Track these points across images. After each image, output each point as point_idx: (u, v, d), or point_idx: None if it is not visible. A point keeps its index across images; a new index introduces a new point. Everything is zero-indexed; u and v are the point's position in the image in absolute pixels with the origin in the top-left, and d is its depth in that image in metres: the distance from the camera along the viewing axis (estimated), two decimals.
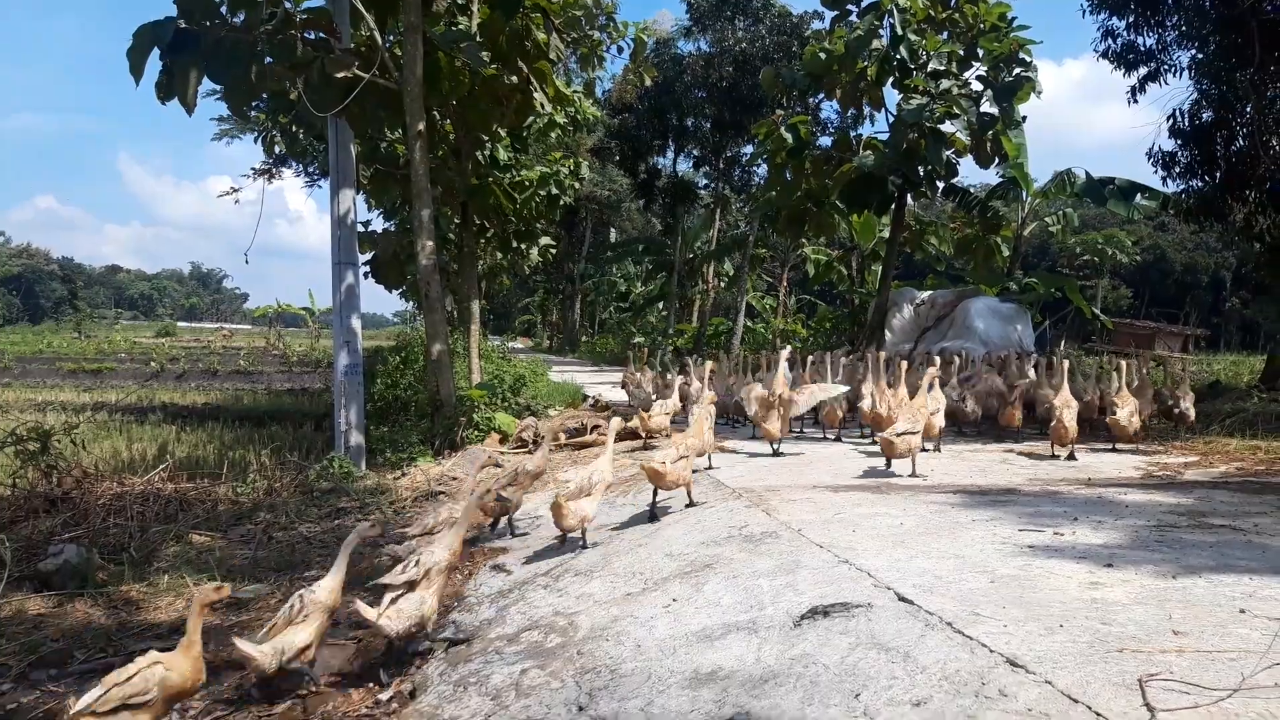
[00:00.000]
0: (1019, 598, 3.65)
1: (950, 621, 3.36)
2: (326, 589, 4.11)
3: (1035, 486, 6.52)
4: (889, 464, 7.33)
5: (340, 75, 9.53)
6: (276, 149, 20.12)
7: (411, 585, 4.16)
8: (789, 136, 18.23)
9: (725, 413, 11.32)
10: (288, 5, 9.80)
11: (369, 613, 4.02)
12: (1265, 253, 15.21)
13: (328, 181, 11.54)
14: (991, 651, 3.04)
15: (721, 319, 37.85)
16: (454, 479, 8.37)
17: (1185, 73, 14.97)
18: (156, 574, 6.10)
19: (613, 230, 49.58)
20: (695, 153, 33.85)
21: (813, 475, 7.24)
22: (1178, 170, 15.26)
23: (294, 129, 17.96)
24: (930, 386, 8.27)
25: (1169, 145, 15.08)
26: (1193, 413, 9.69)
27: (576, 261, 46.57)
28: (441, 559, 4.31)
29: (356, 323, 11.37)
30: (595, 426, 9.94)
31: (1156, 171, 15.65)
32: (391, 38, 12.05)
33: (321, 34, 9.78)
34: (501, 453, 9.30)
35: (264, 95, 11.79)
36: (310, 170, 26.16)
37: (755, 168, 31.17)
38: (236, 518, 8.13)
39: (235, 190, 20.69)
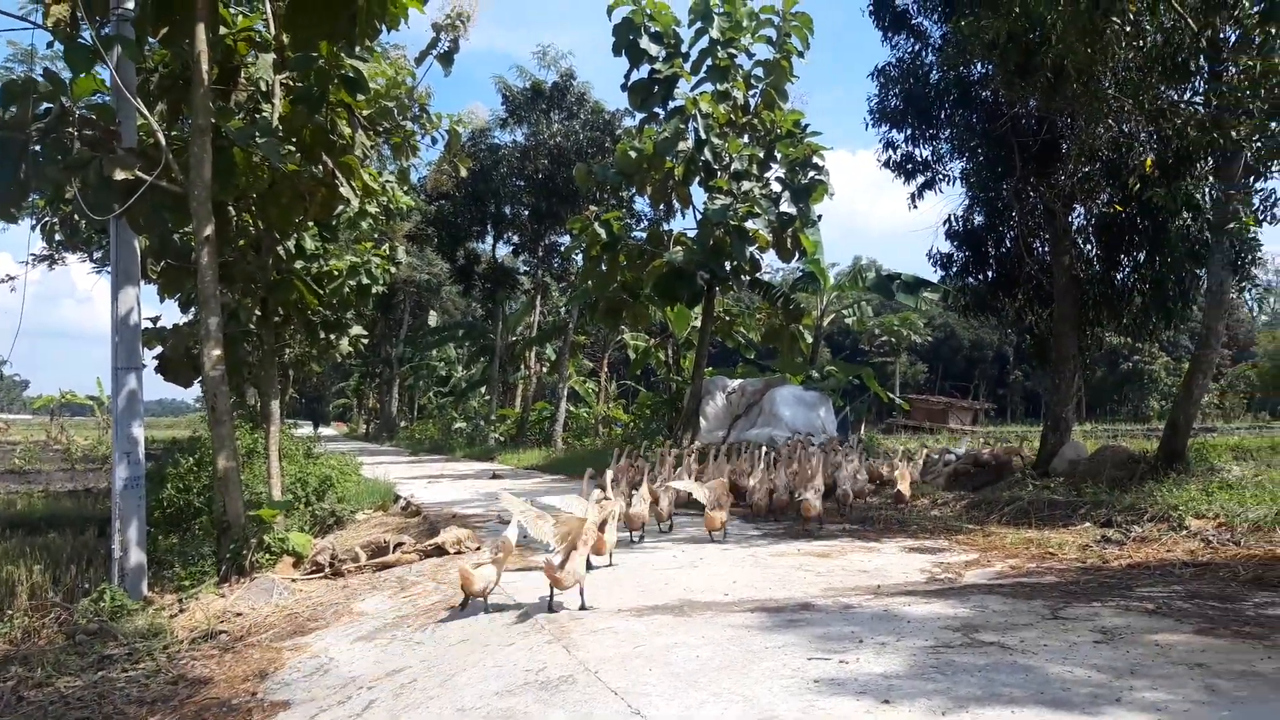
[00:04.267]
0: None
1: None
2: None
3: (829, 599, 6.72)
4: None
5: (121, 177, 8.95)
6: (56, 237, 18.66)
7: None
8: (602, 232, 18.67)
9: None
10: (64, 100, 9.13)
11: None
12: (1033, 344, 16.66)
13: None
14: None
15: (545, 403, 37.72)
16: (238, 614, 7.74)
17: (959, 181, 16.39)
18: None
19: (432, 313, 48.76)
20: (515, 239, 33.99)
21: (620, 594, 7.17)
22: (954, 270, 16.57)
23: (75, 218, 16.68)
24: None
25: (946, 247, 16.38)
26: (851, 496, 11.57)
27: (394, 345, 45.33)
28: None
29: (139, 431, 10.49)
30: (399, 544, 9.43)
31: (936, 270, 16.96)
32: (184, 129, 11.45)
33: (101, 133, 9.18)
34: (292, 580, 8.71)
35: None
36: (96, 257, 24.39)
37: (575, 255, 31.65)
38: None
39: (10, 279, 19.50)
